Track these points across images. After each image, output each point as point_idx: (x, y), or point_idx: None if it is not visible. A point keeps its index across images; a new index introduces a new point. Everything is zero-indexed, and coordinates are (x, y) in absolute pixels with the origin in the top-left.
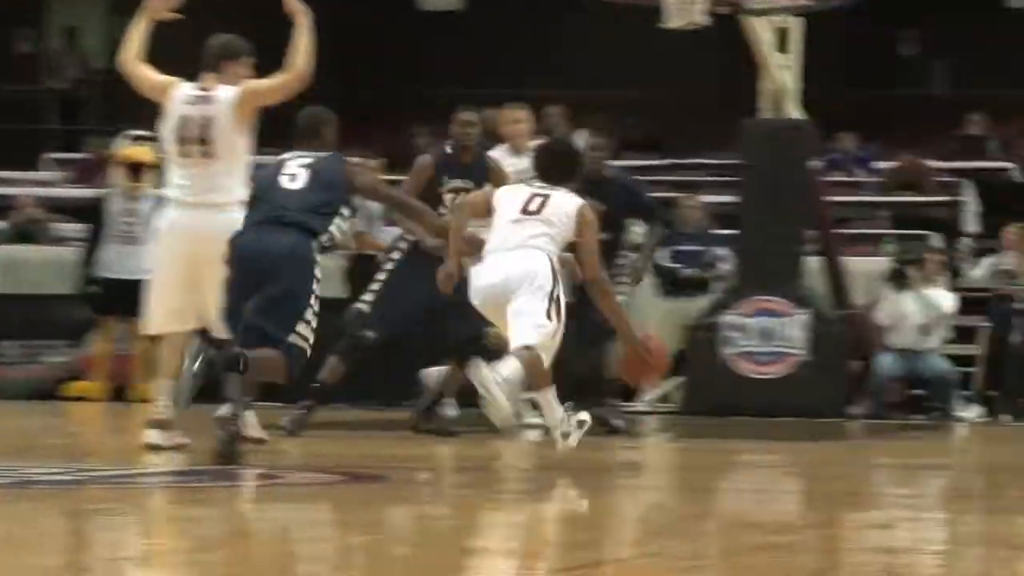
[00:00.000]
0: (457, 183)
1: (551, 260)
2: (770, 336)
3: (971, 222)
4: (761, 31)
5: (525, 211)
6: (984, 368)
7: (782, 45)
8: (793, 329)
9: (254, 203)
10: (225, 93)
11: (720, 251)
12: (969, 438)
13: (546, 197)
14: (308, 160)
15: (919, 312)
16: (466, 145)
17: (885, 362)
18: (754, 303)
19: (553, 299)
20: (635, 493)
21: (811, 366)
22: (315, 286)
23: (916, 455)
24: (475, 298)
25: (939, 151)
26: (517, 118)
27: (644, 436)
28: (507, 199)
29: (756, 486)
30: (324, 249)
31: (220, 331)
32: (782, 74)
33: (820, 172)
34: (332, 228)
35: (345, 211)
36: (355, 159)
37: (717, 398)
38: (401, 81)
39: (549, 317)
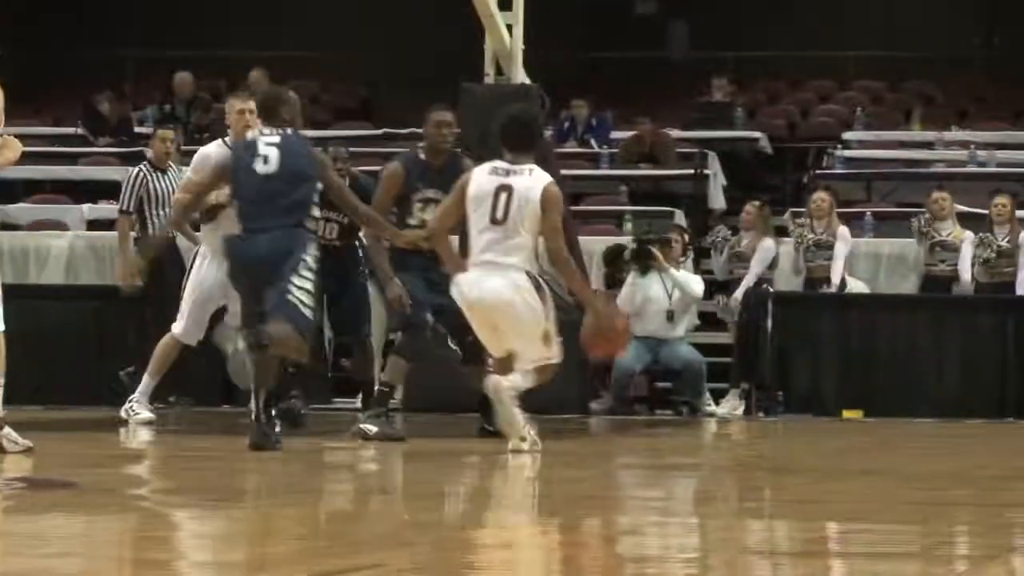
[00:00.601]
0: (429, 193)
1: (529, 275)
2: None
3: (717, 198)
4: None
5: (493, 220)
6: (736, 359)
7: (506, 2)
8: None
9: (234, 190)
10: None
11: None
12: (720, 435)
13: (510, 191)
14: (275, 139)
15: (665, 297)
16: (440, 148)
17: (628, 352)
18: None
19: (548, 318)
20: (351, 498)
21: None
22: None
23: (664, 454)
24: (464, 308)
25: (681, 119)
26: (248, 108)
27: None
28: (476, 202)
29: (487, 489)
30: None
31: None
32: (506, 34)
33: (551, 142)
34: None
35: (316, 202)
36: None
37: (441, 393)
38: (80, 43)
39: (547, 341)
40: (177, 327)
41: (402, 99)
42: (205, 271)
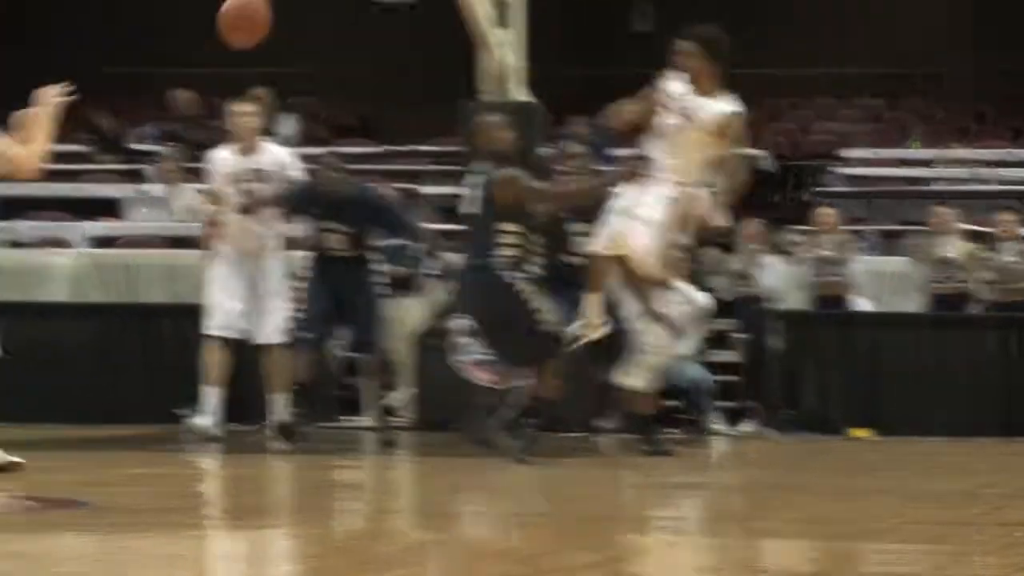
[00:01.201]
0: None
1: None
2: None
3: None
4: (479, 4)
5: None
6: (743, 377)
7: (502, 19)
8: None
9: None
10: None
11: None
12: (727, 454)
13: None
14: (478, 179)
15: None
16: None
17: None
18: None
19: None
20: (359, 518)
21: None
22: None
23: (672, 473)
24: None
25: None
26: (245, 111)
27: (370, 453)
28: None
29: (497, 509)
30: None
31: None
32: (503, 52)
33: (553, 159)
34: (512, 251)
35: (509, 231)
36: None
37: (450, 411)
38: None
39: None
40: (210, 327)
41: (405, 116)
42: (218, 266)
